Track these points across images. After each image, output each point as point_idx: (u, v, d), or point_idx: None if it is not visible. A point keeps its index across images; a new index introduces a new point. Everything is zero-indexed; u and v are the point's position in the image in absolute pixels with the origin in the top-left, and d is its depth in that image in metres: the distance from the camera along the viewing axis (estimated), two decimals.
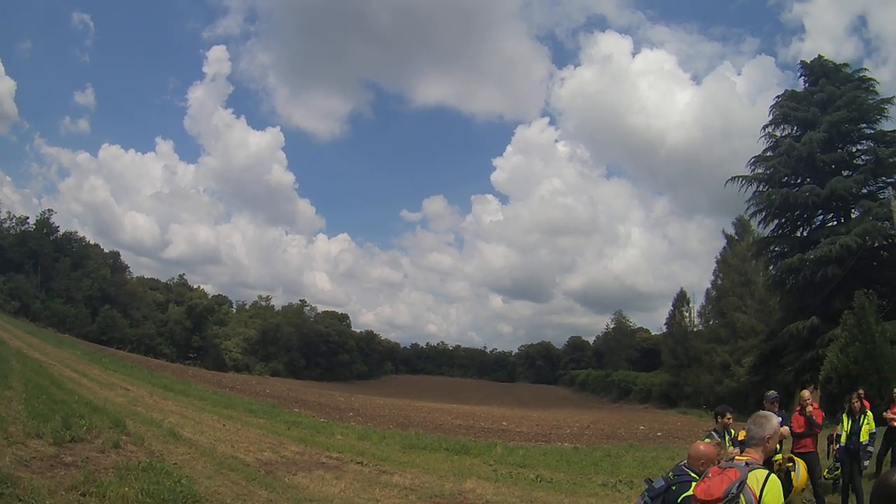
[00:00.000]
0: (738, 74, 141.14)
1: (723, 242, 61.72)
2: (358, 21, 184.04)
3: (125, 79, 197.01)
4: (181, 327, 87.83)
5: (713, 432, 7.43)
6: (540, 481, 13.51)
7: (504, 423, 34.33)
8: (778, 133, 43.52)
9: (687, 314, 65.66)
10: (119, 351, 57.19)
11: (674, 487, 4.49)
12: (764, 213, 42.84)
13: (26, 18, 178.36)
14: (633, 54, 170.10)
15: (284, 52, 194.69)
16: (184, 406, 19.60)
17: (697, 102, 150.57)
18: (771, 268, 45.18)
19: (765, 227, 44.27)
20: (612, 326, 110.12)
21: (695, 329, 64.37)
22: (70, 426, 11.08)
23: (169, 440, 12.63)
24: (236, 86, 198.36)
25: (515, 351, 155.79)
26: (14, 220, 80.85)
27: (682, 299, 66.58)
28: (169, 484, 8.09)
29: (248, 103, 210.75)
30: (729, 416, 7.70)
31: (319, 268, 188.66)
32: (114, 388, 20.04)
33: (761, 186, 42.95)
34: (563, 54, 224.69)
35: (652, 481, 4.73)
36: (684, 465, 4.68)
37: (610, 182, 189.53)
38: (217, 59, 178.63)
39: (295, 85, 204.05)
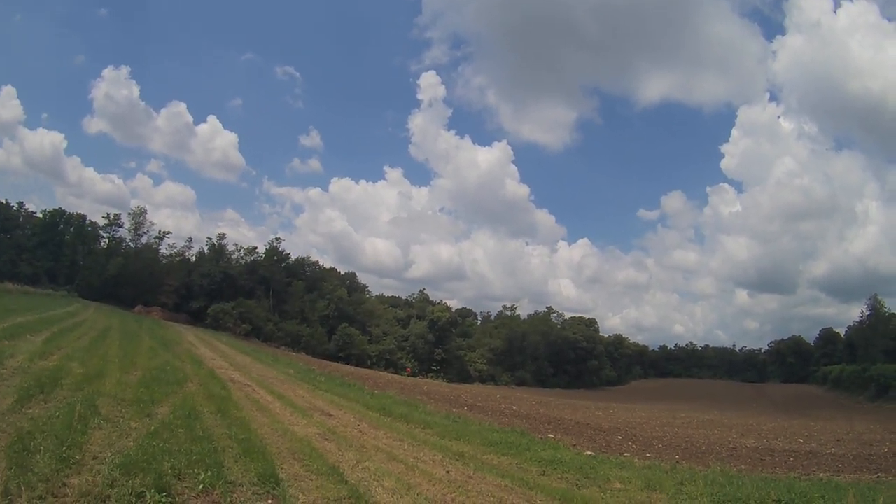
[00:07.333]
0: None
1: None
2: (566, 30, 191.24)
3: (344, 117, 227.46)
4: (423, 341, 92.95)
5: None
6: None
7: (799, 439, 30.26)
8: None
9: None
10: (343, 366, 59.94)
11: None
12: None
13: (232, 78, 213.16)
14: (835, 10, 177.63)
15: (499, 70, 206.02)
16: (398, 438, 15.31)
17: None
18: None
19: None
20: (866, 314, 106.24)
21: None
22: (170, 485, 6.92)
23: None
24: (454, 108, 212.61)
25: (765, 348, 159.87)
26: (242, 252, 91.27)
27: None
28: None
29: (469, 123, 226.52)
30: None
31: (563, 275, 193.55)
32: (310, 415, 16.70)
33: None
34: (770, 26, 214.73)
35: None
36: None
37: (841, 155, 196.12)
38: (430, 84, 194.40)
39: (516, 100, 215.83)
